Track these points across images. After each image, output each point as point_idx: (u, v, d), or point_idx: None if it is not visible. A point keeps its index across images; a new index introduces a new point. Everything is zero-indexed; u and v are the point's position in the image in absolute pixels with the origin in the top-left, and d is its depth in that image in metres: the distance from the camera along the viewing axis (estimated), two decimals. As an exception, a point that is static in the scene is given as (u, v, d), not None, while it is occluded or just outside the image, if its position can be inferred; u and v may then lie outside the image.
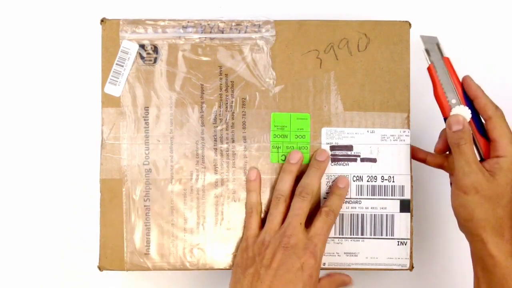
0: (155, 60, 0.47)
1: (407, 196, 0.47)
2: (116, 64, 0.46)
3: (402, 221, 0.46)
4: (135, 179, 0.46)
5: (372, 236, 0.46)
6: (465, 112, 0.43)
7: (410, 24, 0.47)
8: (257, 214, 0.46)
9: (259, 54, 0.47)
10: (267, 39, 0.47)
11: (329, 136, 0.47)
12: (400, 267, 0.46)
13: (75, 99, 0.55)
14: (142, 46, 0.46)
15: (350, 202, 0.47)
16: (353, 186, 0.47)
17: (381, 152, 0.47)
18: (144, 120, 0.46)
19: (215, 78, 0.47)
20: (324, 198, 0.46)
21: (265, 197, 0.47)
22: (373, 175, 0.47)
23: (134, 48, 0.46)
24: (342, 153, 0.47)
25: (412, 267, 0.47)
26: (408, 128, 0.47)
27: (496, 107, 0.43)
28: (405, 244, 0.46)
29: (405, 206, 0.46)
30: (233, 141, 0.47)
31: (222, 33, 0.47)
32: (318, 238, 0.43)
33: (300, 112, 0.47)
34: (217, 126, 0.47)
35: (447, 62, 0.45)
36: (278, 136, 0.47)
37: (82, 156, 0.55)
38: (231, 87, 0.47)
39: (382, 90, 0.47)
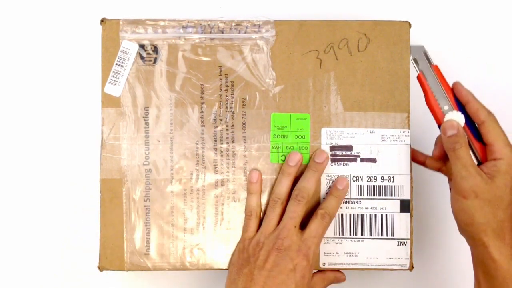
0: (155, 60, 0.46)
1: (407, 196, 0.46)
2: (116, 64, 0.46)
3: (402, 221, 0.46)
4: (135, 179, 0.46)
5: (372, 236, 0.46)
6: (459, 117, 0.43)
7: (410, 24, 0.47)
8: (256, 217, 0.46)
9: (259, 54, 0.47)
10: (267, 39, 0.46)
11: (329, 136, 0.47)
12: (400, 267, 0.46)
13: (75, 99, 0.55)
14: (142, 46, 0.46)
15: (350, 202, 0.47)
16: (353, 186, 0.47)
17: (381, 152, 0.47)
18: (144, 120, 0.46)
19: (215, 78, 0.47)
20: (324, 198, 0.46)
21: (265, 198, 0.47)
22: (373, 175, 0.47)
23: (134, 48, 0.46)
24: (342, 153, 0.47)
25: (412, 267, 0.47)
26: (408, 128, 0.47)
27: (488, 111, 0.43)
28: (405, 244, 0.46)
29: (405, 206, 0.46)
30: (233, 141, 0.47)
31: (222, 33, 0.47)
32: (312, 240, 0.43)
33: (300, 112, 0.47)
34: (217, 126, 0.47)
35: (436, 69, 0.45)
36: (278, 136, 0.47)
37: (82, 156, 0.55)
38: (231, 87, 0.47)
39: (382, 90, 0.46)
